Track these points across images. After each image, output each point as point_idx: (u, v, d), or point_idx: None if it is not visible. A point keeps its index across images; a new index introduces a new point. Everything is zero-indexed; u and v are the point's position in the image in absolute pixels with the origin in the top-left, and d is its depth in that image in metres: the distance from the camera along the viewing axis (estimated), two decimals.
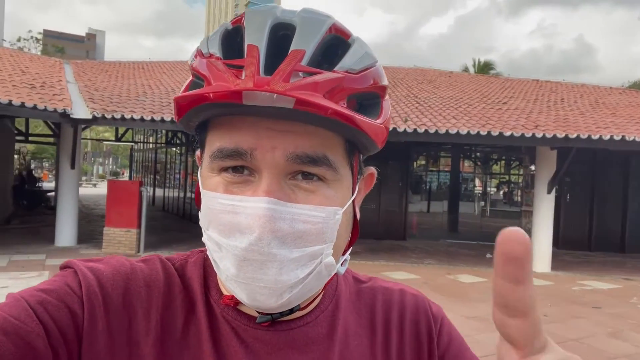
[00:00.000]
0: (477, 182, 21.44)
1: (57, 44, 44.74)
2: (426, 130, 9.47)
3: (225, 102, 0.46)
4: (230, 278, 0.51)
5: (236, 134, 0.50)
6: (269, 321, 0.56)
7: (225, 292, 0.57)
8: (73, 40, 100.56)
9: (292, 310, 0.55)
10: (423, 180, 17.99)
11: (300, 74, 0.47)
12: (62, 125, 10.07)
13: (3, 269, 7.77)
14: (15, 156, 18.49)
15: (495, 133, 9.31)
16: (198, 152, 0.57)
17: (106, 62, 18.12)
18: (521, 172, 18.03)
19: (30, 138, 16.97)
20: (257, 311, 0.55)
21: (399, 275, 8.95)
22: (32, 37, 33.34)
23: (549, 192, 10.26)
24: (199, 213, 0.54)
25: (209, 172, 0.52)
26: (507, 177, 25.43)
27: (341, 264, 0.57)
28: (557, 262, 10.51)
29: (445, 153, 17.29)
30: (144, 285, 0.55)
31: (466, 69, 31.11)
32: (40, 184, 18.54)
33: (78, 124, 9.78)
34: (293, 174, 0.50)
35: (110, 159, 58.01)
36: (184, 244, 10.35)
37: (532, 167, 11.61)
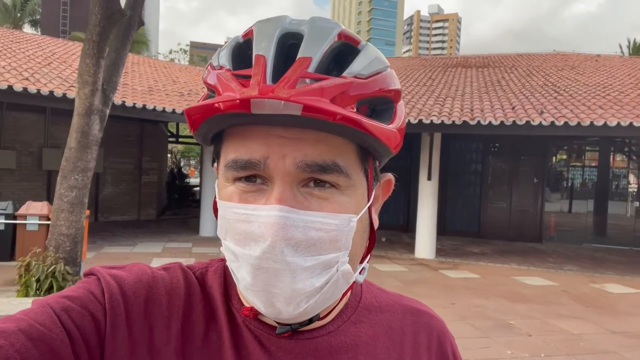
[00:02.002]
0: (632, 178, 18.76)
1: (201, 53, 49.84)
2: (566, 123, 8.59)
3: (234, 112, 0.46)
4: (247, 287, 0.51)
5: (249, 143, 0.49)
6: (289, 332, 0.55)
7: (244, 302, 0.57)
8: (214, 49, 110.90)
9: (310, 320, 0.54)
10: (564, 177, 16.26)
11: (307, 80, 0.47)
12: None
13: (158, 255, 8.93)
14: (168, 155, 21.00)
15: None
16: (215, 164, 0.57)
17: None
18: None
19: (180, 139, 19.19)
20: (276, 322, 0.55)
21: (533, 281, 8.28)
22: (181, 49, 37.64)
23: None
24: (218, 223, 0.54)
25: (224, 182, 0.52)
26: None
27: (359, 273, 0.55)
28: None
29: (592, 147, 15.44)
30: (165, 293, 0.55)
31: (621, 51, 27.36)
32: (188, 180, 20.76)
33: None
34: (305, 182, 0.50)
35: None
36: None
37: None
